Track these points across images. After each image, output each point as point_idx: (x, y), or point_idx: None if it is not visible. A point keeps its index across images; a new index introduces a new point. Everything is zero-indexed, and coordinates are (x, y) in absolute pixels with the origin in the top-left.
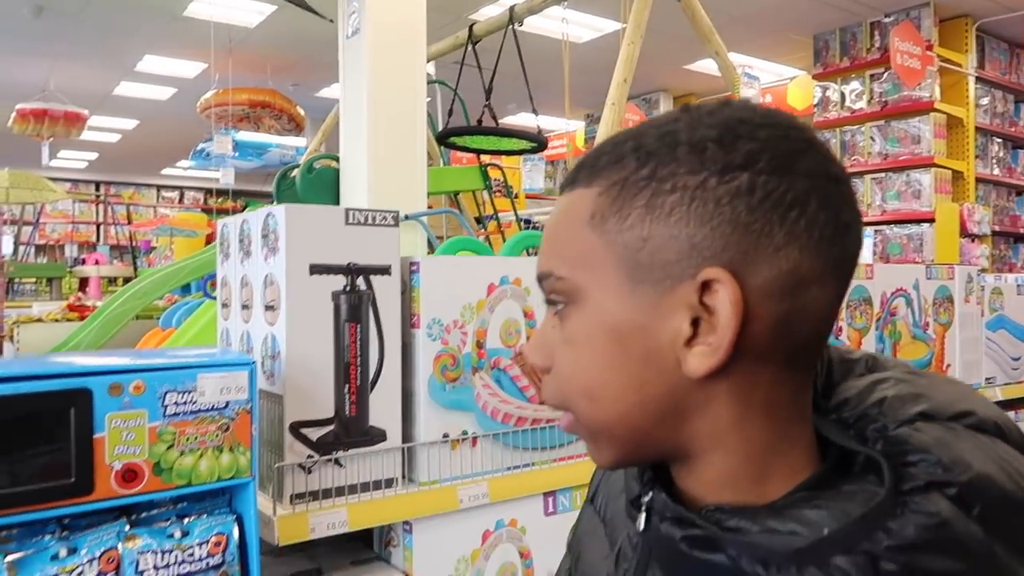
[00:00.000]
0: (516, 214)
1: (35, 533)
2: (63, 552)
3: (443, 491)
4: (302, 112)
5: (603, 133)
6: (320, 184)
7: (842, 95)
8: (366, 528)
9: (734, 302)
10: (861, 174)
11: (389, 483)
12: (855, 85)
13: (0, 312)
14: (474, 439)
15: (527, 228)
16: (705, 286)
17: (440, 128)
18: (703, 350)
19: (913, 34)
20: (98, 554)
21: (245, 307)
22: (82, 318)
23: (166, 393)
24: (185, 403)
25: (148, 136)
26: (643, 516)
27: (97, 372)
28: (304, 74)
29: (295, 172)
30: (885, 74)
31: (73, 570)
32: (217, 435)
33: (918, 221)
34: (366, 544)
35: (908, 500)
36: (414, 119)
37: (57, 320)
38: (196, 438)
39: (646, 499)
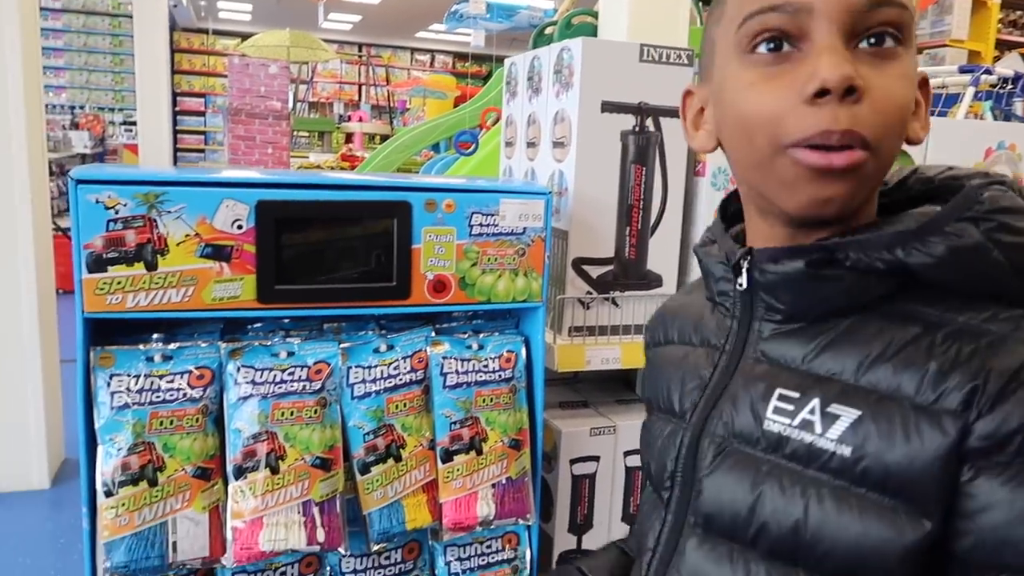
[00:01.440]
0: None
1: (359, 328)
2: (383, 347)
3: None
4: None
5: None
6: None
7: None
8: (632, 369)
9: None
10: None
11: None
12: None
13: (288, 158)
14: None
15: None
16: (924, 82)
17: None
18: (920, 124)
19: None
20: (410, 353)
21: (531, 144)
22: (353, 167)
23: (473, 214)
24: (488, 225)
25: None
26: (744, 277)
27: (416, 188)
28: None
29: (551, 29)
30: None
31: (391, 363)
32: (514, 259)
33: None
34: (627, 386)
35: (983, 190)
36: None
37: (332, 168)
38: (496, 259)
39: (745, 262)
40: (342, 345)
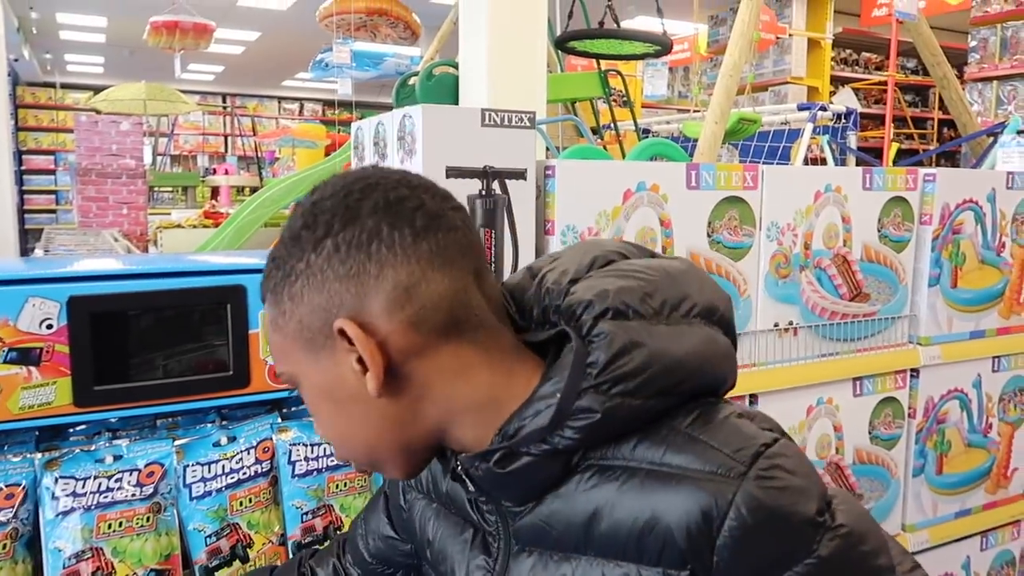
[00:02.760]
0: (636, 123)
1: (198, 422)
2: (224, 440)
3: None
4: (417, 19)
5: (737, 31)
6: (439, 91)
7: None
8: None
9: (359, 335)
10: (1023, 75)
11: None
12: None
13: (145, 218)
14: None
15: (645, 137)
16: (342, 333)
17: (558, 33)
18: (370, 375)
19: None
20: (255, 443)
21: None
22: (216, 224)
23: None
24: None
25: (269, 48)
26: (468, 481)
27: (249, 270)
28: None
29: (414, 79)
30: None
31: (233, 456)
32: None
33: None
34: None
35: (592, 339)
36: (535, 23)
37: (195, 226)
38: None
39: (459, 469)
40: (177, 442)
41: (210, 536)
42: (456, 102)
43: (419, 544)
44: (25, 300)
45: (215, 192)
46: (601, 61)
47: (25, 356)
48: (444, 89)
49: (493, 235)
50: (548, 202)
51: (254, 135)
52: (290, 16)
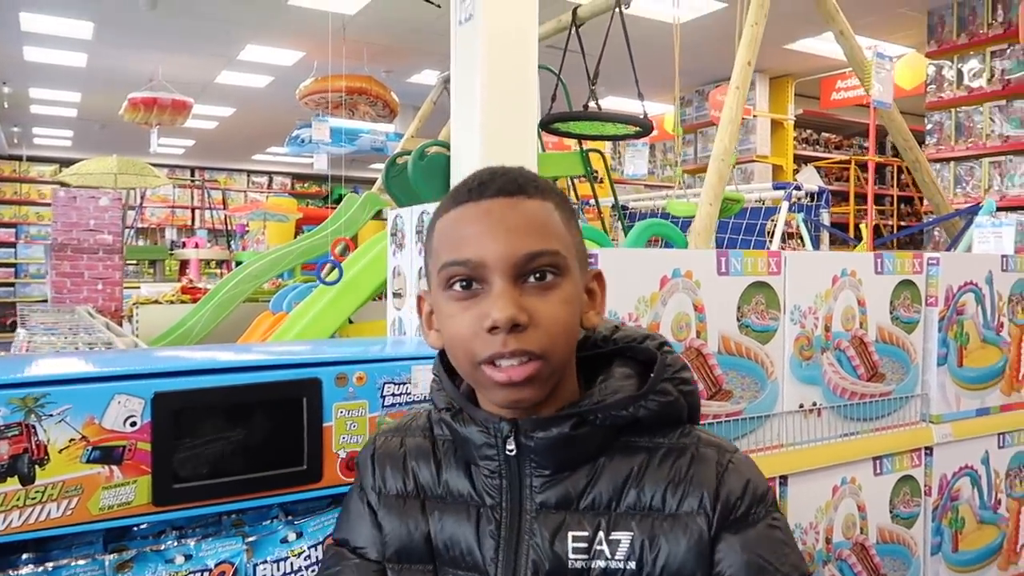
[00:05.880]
0: (616, 201)
1: (263, 517)
2: (291, 536)
3: None
4: (396, 98)
5: (727, 117)
6: (432, 170)
7: (959, 73)
8: None
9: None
10: (978, 157)
11: None
12: (973, 63)
13: (120, 293)
14: None
15: (624, 213)
16: (597, 276)
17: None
18: (595, 312)
19: None
20: (321, 539)
21: None
22: (195, 300)
23: (384, 384)
24: (401, 394)
25: (243, 123)
26: (512, 443)
27: (325, 363)
28: (398, 60)
29: (404, 158)
30: (1009, 50)
31: (300, 553)
32: None
33: None
34: None
35: (664, 354)
36: (526, 106)
37: (172, 302)
38: None
39: (510, 431)
40: (247, 540)
41: None
42: (448, 182)
43: (411, 547)
44: (111, 398)
45: (184, 265)
46: (582, 141)
47: (108, 455)
48: (436, 169)
49: None
50: None
51: (224, 208)
52: (266, 93)
